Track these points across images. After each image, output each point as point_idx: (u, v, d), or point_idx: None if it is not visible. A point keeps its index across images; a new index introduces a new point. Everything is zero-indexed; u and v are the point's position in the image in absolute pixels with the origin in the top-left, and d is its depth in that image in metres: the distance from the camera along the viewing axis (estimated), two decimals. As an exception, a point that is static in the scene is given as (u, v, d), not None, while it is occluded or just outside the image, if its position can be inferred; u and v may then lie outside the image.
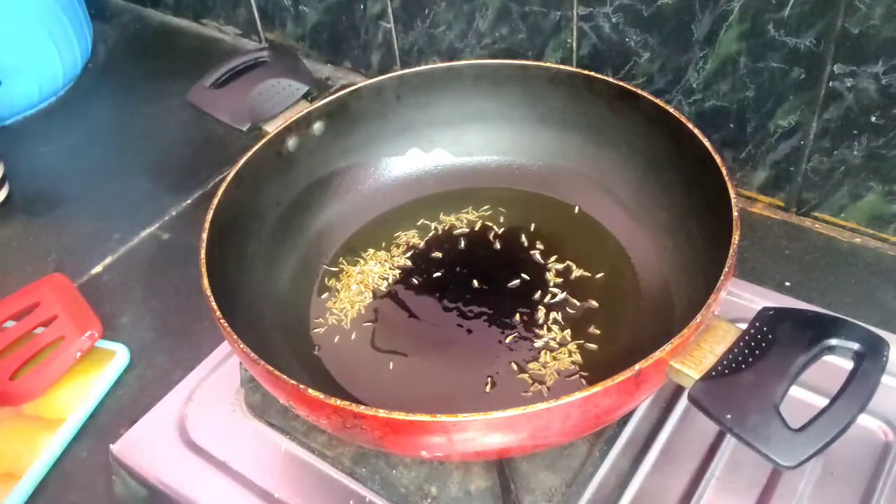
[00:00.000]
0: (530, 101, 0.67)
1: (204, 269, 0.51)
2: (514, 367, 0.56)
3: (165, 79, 0.99)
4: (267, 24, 0.99)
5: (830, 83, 0.61)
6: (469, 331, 0.59)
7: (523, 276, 0.62)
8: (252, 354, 0.46)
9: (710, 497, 0.51)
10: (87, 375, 0.63)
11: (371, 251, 0.65)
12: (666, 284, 0.58)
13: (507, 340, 0.58)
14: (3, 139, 0.90)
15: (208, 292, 0.50)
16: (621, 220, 0.64)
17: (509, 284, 0.62)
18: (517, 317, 0.59)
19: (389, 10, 0.84)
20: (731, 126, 0.68)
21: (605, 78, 0.62)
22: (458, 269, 0.64)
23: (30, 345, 0.63)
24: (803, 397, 0.52)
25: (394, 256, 0.65)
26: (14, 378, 0.61)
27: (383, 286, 0.63)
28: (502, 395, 0.54)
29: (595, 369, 0.55)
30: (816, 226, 0.69)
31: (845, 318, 0.45)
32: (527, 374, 0.55)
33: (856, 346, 0.44)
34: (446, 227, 0.67)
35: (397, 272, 0.64)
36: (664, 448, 0.53)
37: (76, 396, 0.62)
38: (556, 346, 0.57)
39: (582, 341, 0.57)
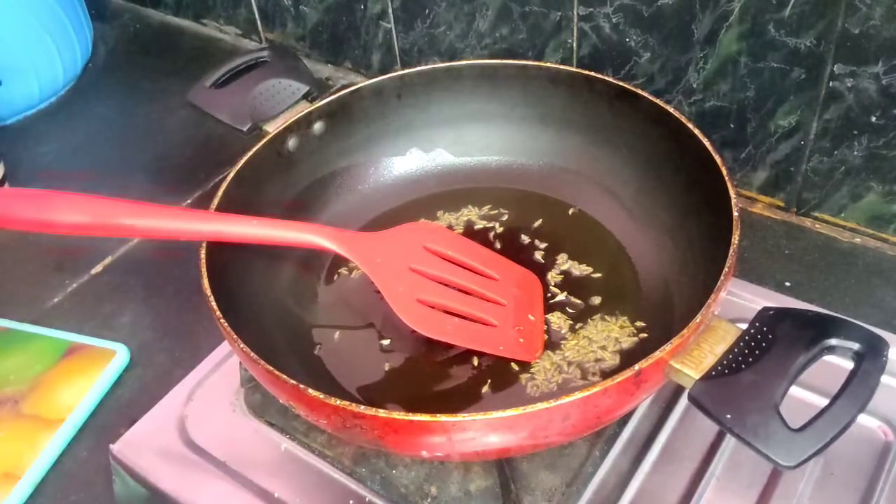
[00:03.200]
0: (531, 101, 0.67)
1: (204, 269, 0.51)
2: (514, 366, 0.56)
3: (166, 79, 0.99)
4: (267, 24, 0.99)
5: (831, 83, 0.61)
6: (469, 330, 0.59)
7: (523, 276, 0.62)
8: (252, 354, 0.46)
9: (710, 497, 0.51)
10: (87, 375, 0.63)
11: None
12: (666, 284, 0.58)
13: (507, 340, 0.58)
14: (3, 139, 0.90)
15: (208, 292, 0.50)
16: (621, 220, 0.64)
17: (509, 284, 0.62)
18: (517, 317, 0.59)
19: (390, 11, 0.84)
20: (732, 126, 0.68)
21: (606, 78, 0.62)
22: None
23: None
24: (803, 397, 0.52)
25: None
26: None
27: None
28: (502, 394, 0.54)
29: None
30: (816, 226, 0.69)
31: (845, 317, 0.45)
32: (527, 374, 0.55)
33: (856, 345, 0.44)
34: (446, 227, 0.67)
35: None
36: (664, 448, 0.53)
37: (75, 396, 0.61)
38: (556, 345, 0.57)
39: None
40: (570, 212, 0.66)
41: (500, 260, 0.59)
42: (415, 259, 0.55)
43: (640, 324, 0.57)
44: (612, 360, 0.55)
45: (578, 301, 0.60)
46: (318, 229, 0.54)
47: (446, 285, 0.55)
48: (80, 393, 0.62)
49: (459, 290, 0.56)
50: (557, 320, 0.58)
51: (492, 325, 0.55)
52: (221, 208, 0.56)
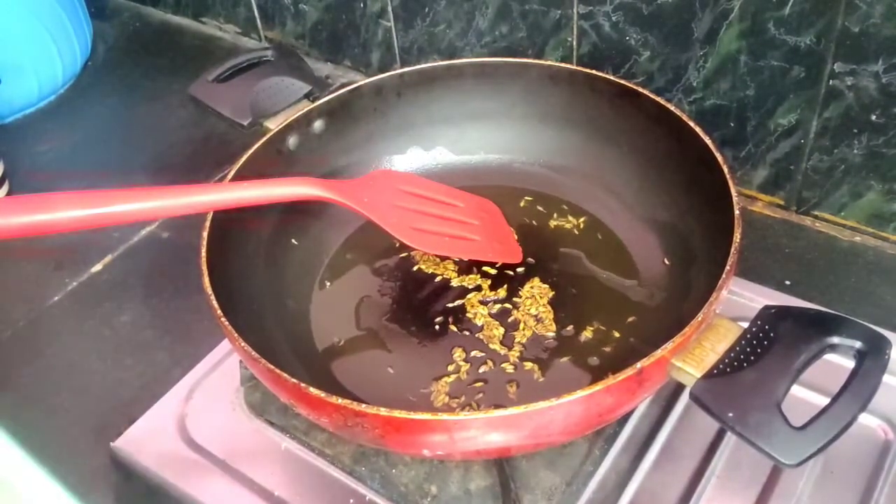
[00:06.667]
0: (531, 100, 0.67)
1: (204, 268, 0.51)
2: (510, 367, 0.56)
3: (165, 77, 0.98)
4: (267, 22, 0.99)
5: (830, 82, 0.61)
6: (470, 329, 0.59)
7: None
8: (253, 353, 0.46)
9: (710, 495, 0.51)
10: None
11: (372, 248, 0.65)
12: (667, 282, 0.58)
13: (508, 339, 0.58)
14: (3, 137, 0.90)
15: (209, 291, 0.50)
16: (622, 219, 0.64)
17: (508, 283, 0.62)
18: (518, 315, 0.59)
19: (389, 9, 0.84)
20: (732, 125, 0.68)
21: (606, 76, 0.62)
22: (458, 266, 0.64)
23: None
24: (805, 396, 0.52)
25: (395, 253, 0.65)
26: None
27: (384, 283, 0.63)
28: (502, 394, 0.54)
29: (596, 368, 0.55)
30: (816, 224, 0.69)
31: (847, 316, 0.45)
32: (524, 372, 0.55)
33: (858, 344, 0.44)
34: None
35: (398, 269, 0.64)
36: (664, 446, 0.53)
37: None
38: (558, 344, 0.57)
39: (583, 340, 0.57)
40: (571, 210, 0.66)
41: (461, 192, 0.65)
42: (395, 198, 0.60)
43: (640, 321, 0.57)
44: (612, 356, 0.55)
45: (579, 300, 0.60)
46: (307, 181, 0.56)
47: (428, 215, 0.61)
48: None
49: (439, 218, 0.61)
50: (559, 319, 0.58)
51: (474, 240, 0.61)
52: (221, 206, 0.56)
